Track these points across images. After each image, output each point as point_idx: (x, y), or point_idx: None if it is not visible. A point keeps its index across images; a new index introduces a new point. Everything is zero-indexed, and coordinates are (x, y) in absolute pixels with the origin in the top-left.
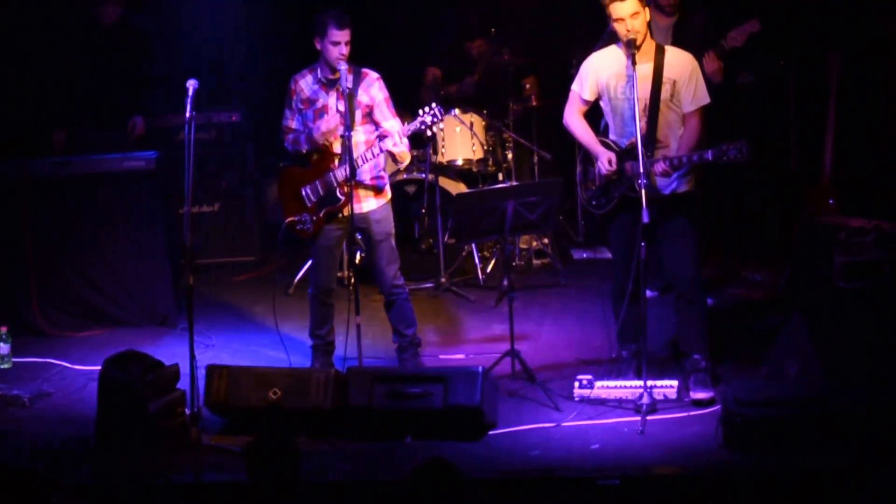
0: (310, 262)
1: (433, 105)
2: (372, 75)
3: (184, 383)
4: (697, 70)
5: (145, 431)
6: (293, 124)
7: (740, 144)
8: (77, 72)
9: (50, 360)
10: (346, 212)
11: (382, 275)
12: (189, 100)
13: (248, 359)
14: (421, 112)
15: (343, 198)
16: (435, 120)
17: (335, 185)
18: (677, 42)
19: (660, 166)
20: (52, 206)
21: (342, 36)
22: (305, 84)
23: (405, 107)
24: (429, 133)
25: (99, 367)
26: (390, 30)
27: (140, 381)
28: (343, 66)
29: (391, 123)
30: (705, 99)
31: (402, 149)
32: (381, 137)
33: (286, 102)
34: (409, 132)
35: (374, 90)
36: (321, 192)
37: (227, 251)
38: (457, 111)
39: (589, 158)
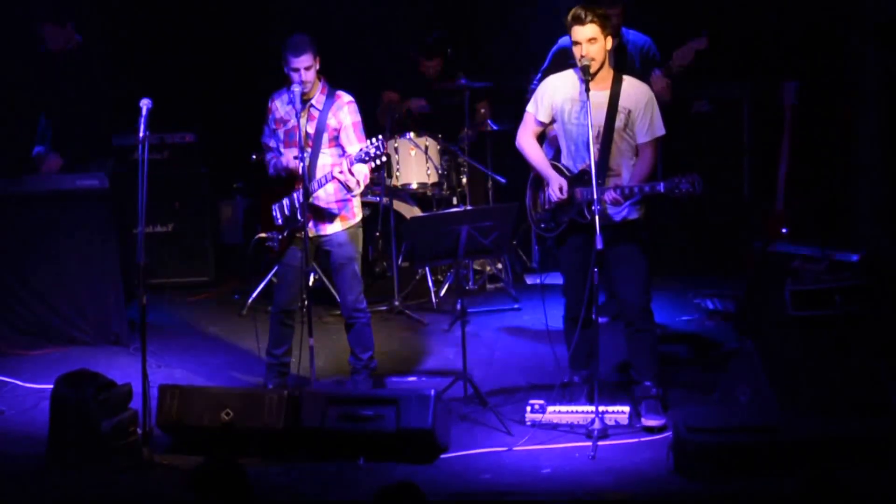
0: (265, 283)
1: (377, 138)
2: (343, 98)
3: (136, 403)
4: (654, 101)
5: (97, 451)
6: (271, 143)
7: (693, 178)
8: (40, 105)
9: (1, 378)
10: (309, 233)
11: (344, 298)
12: (143, 119)
13: (200, 379)
14: (366, 143)
15: (303, 220)
16: (377, 153)
17: (297, 206)
18: (619, 65)
19: (610, 195)
20: (4, 224)
21: (298, 62)
22: (280, 103)
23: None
24: (374, 164)
25: (51, 386)
26: (346, 51)
27: (92, 400)
28: (296, 90)
29: (353, 149)
30: (660, 130)
31: (349, 177)
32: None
33: (266, 119)
34: (352, 163)
35: (342, 113)
36: (287, 212)
37: (181, 271)
38: (412, 135)
39: (540, 181)
